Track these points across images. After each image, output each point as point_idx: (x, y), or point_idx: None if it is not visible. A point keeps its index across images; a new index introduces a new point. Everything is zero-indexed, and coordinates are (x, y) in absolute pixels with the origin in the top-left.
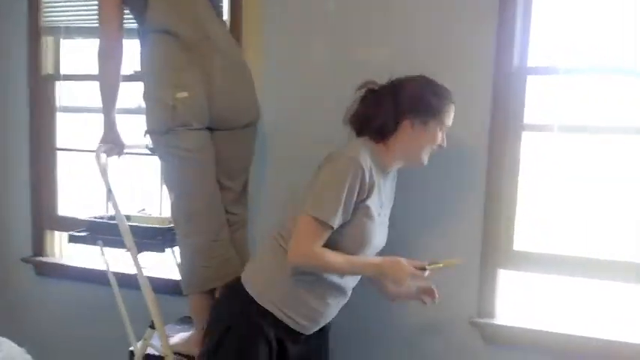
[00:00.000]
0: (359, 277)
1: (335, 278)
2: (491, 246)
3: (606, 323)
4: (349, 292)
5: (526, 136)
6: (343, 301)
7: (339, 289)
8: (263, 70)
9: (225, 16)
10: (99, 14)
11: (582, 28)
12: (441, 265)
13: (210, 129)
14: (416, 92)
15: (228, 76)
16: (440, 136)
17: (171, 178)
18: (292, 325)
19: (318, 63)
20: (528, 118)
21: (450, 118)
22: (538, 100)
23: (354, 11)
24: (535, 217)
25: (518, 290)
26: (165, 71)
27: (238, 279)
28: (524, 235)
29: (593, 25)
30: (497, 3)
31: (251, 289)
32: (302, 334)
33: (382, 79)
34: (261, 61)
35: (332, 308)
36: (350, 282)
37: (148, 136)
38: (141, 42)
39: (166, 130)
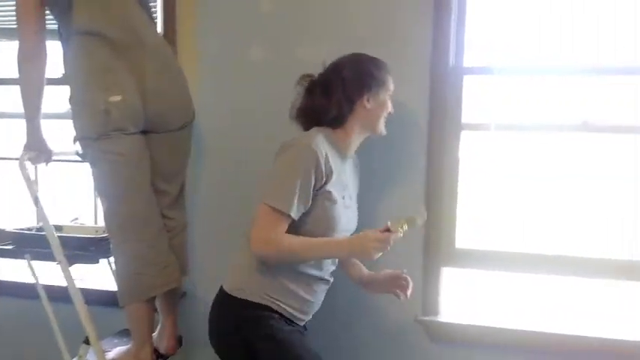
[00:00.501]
0: (336, 261)
1: (312, 270)
2: (434, 245)
3: (549, 317)
4: (330, 279)
5: (465, 135)
6: (327, 287)
7: (321, 279)
8: (198, 72)
9: (159, 18)
10: (17, 14)
11: (517, 29)
12: (404, 223)
13: (144, 132)
14: (360, 70)
15: (161, 78)
16: (389, 104)
17: (104, 184)
18: (289, 317)
19: (254, 63)
20: (467, 117)
21: (392, 84)
22: (476, 100)
23: (290, 11)
24: (476, 215)
25: (462, 287)
26: (95, 74)
27: (223, 292)
28: (466, 233)
29: (528, 25)
30: (432, 4)
31: (241, 293)
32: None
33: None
34: (196, 62)
35: (319, 295)
36: (328, 266)
37: (77, 142)
38: (64, 44)
39: (99, 136)
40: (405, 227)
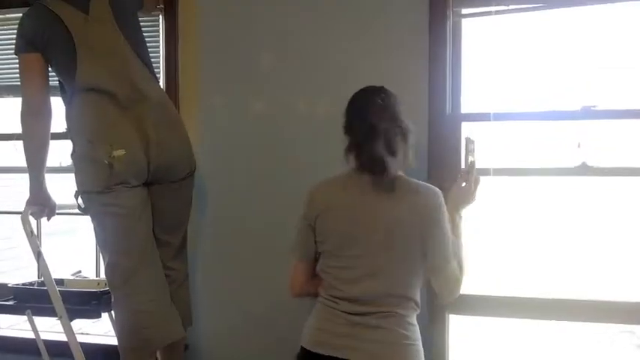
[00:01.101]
0: None
1: None
2: None
3: None
4: None
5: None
6: None
7: None
8: (200, 125)
9: (162, 72)
10: (21, 73)
11: (512, 75)
12: (469, 158)
13: (145, 184)
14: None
15: (164, 131)
16: None
17: (105, 237)
18: None
19: (254, 116)
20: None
21: None
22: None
23: (290, 65)
24: (479, 260)
25: (470, 335)
26: (99, 129)
27: None
28: (472, 279)
29: (523, 71)
30: (427, 55)
31: None
32: None
33: (321, 128)
34: (197, 115)
35: None
36: None
37: (79, 196)
38: (66, 100)
39: (102, 190)
40: (472, 159)
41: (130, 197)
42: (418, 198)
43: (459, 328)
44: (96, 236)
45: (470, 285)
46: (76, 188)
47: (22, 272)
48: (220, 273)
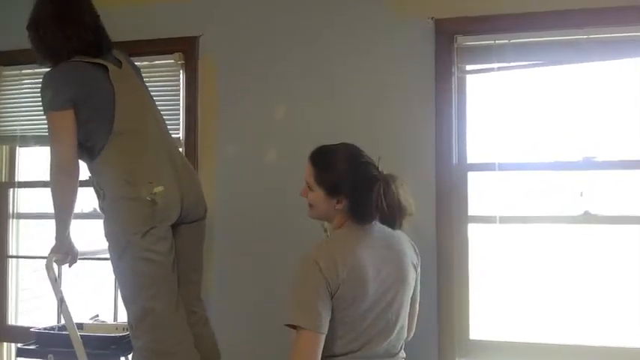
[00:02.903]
0: None
1: None
2: (448, 336)
3: None
4: None
5: (472, 228)
6: None
7: None
8: (217, 172)
9: (182, 122)
10: (53, 130)
11: (516, 128)
12: None
13: (172, 225)
14: None
15: (187, 170)
16: None
17: (140, 283)
18: None
19: (268, 165)
20: (473, 210)
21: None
22: (481, 194)
23: (303, 118)
24: (488, 305)
25: None
26: (138, 168)
27: None
28: (480, 324)
29: (527, 122)
30: (434, 109)
31: None
32: None
33: None
34: (215, 162)
35: None
36: None
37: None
38: (87, 154)
39: (147, 229)
40: None
41: (166, 241)
42: (406, 239)
43: None
44: (125, 281)
45: (478, 330)
46: (110, 233)
47: (29, 313)
48: (240, 317)
